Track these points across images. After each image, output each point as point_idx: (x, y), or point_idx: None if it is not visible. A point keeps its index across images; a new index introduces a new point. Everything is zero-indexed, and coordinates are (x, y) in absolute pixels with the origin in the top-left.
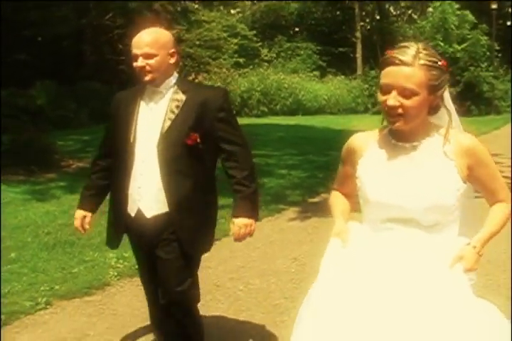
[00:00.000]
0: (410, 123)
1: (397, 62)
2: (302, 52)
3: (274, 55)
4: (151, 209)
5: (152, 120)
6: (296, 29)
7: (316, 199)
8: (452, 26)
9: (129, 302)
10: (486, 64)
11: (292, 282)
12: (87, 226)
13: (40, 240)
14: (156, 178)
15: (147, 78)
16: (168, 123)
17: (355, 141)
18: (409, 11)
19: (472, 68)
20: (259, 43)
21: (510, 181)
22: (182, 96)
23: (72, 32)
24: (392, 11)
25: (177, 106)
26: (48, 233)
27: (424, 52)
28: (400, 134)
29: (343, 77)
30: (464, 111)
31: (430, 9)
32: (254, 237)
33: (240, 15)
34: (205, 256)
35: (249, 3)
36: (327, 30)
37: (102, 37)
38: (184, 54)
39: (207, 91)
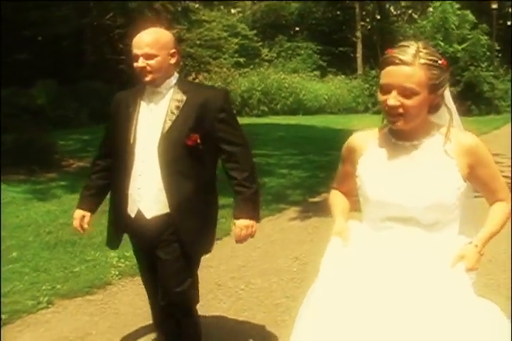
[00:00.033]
0: (411, 123)
1: (397, 61)
2: (303, 51)
3: (275, 55)
4: (151, 210)
5: (152, 121)
6: (297, 29)
7: (316, 199)
8: (452, 26)
9: (131, 301)
10: (486, 64)
11: (293, 281)
12: (86, 226)
13: (42, 239)
14: (156, 179)
15: (147, 78)
16: (168, 124)
17: (355, 139)
18: (410, 11)
19: (472, 68)
20: (260, 43)
21: (510, 181)
22: (182, 97)
23: (73, 31)
24: (392, 10)
25: (177, 107)
26: (50, 232)
27: (424, 51)
28: (400, 133)
29: (343, 76)
30: (464, 111)
31: (430, 9)
32: (255, 237)
33: (241, 14)
34: (206, 256)
35: (249, 2)
36: (327, 29)
37: (102, 36)
38: (185, 53)
39: (207, 91)
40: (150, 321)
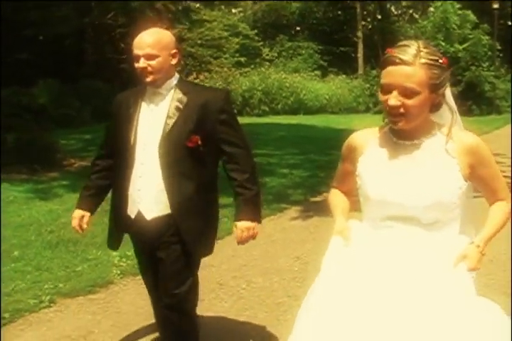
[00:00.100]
0: (412, 123)
1: (397, 61)
2: (303, 51)
3: (276, 55)
4: (152, 211)
5: (153, 122)
6: (298, 28)
7: (317, 199)
8: (454, 26)
9: (133, 300)
10: (487, 63)
11: (295, 280)
12: (85, 226)
13: (44, 238)
14: (156, 180)
15: (148, 79)
16: (169, 125)
17: (355, 138)
18: (411, 11)
19: (473, 68)
20: (261, 42)
21: (510, 181)
22: (183, 98)
23: (74, 31)
24: (393, 10)
25: (178, 108)
26: (51, 231)
27: (425, 50)
28: (401, 132)
29: (344, 76)
30: (465, 111)
31: (431, 9)
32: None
33: (242, 14)
34: None
35: (250, 2)
36: (328, 29)
37: (103, 36)
38: (186, 53)
39: (208, 92)
40: (152, 320)
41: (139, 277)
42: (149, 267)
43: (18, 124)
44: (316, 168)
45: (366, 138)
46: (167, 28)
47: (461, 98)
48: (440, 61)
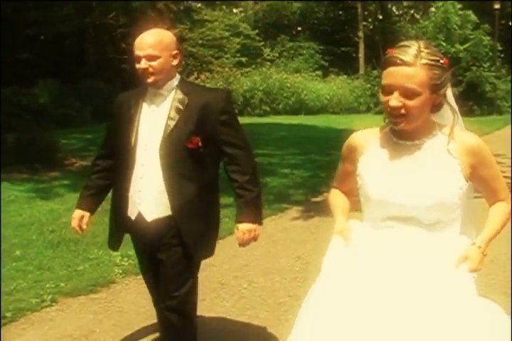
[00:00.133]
0: (413, 123)
1: (398, 62)
2: (305, 51)
3: (277, 55)
4: (152, 213)
5: (154, 123)
6: (299, 28)
7: (318, 199)
8: (455, 26)
9: (134, 299)
10: (488, 64)
11: (296, 280)
12: (84, 226)
13: (45, 238)
14: (157, 181)
15: (150, 80)
16: (170, 126)
17: (356, 138)
18: (412, 11)
19: (474, 68)
20: (262, 43)
21: (510, 181)
22: (184, 99)
23: (75, 31)
24: (394, 10)
25: (179, 109)
26: (53, 231)
27: (426, 51)
28: (402, 132)
29: (345, 76)
30: (466, 111)
31: (433, 9)
32: None
33: (243, 14)
34: None
35: (251, 2)
36: (329, 29)
37: (104, 36)
38: (187, 53)
39: (209, 93)
40: (153, 320)
41: (141, 276)
42: (150, 268)
43: (18, 124)
44: (317, 168)
45: (367, 138)
46: (168, 28)
47: (462, 98)
48: (441, 61)
